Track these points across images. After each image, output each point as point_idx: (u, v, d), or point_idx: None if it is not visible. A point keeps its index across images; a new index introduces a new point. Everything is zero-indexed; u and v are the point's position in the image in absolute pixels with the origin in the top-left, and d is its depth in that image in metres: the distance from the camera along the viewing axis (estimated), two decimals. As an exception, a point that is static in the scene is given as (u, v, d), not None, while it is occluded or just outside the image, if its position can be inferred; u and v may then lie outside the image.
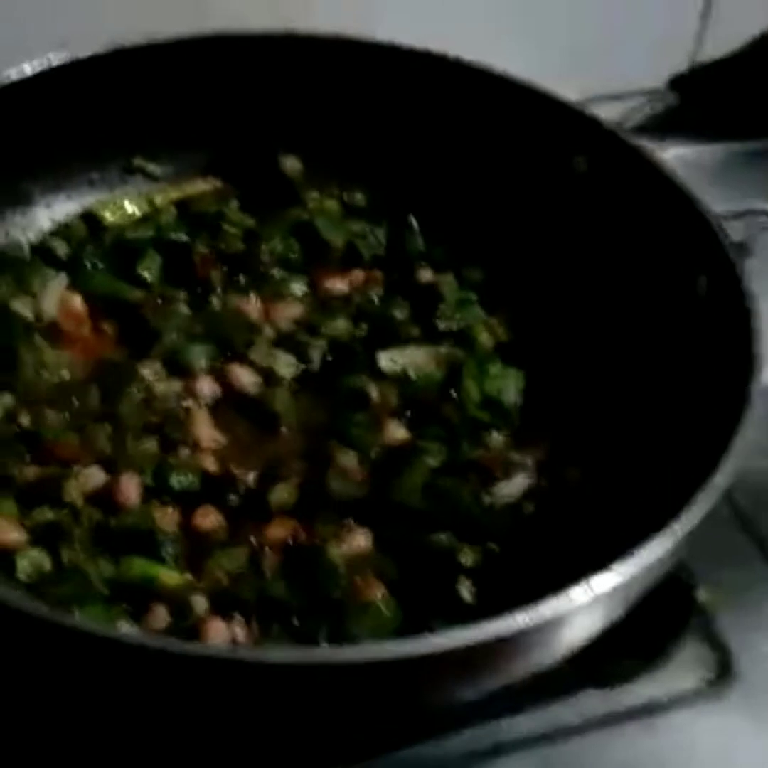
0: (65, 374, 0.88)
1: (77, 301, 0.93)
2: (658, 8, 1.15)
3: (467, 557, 0.77)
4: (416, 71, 0.97)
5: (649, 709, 0.79)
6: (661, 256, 0.88)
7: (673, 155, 1.14)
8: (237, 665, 0.58)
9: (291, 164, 1.01)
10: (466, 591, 0.75)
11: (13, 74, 0.90)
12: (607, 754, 0.77)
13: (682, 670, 0.82)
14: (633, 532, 0.70)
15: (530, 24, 1.13)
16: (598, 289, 0.93)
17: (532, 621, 0.60)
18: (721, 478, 0.67)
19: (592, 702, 0.79)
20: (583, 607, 0.62)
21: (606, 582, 0.62)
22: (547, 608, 0.60)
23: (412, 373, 0.89)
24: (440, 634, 0.60)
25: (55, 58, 0.92)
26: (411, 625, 0.74)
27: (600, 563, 0.64)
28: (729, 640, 0.83)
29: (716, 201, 0.89)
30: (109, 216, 0.99)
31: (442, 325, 0.92)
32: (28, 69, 0.91)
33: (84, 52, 0.93)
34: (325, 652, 0.65)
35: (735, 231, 0.86)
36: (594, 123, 0.93)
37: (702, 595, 0.84)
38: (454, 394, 0.88)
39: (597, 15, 1.14)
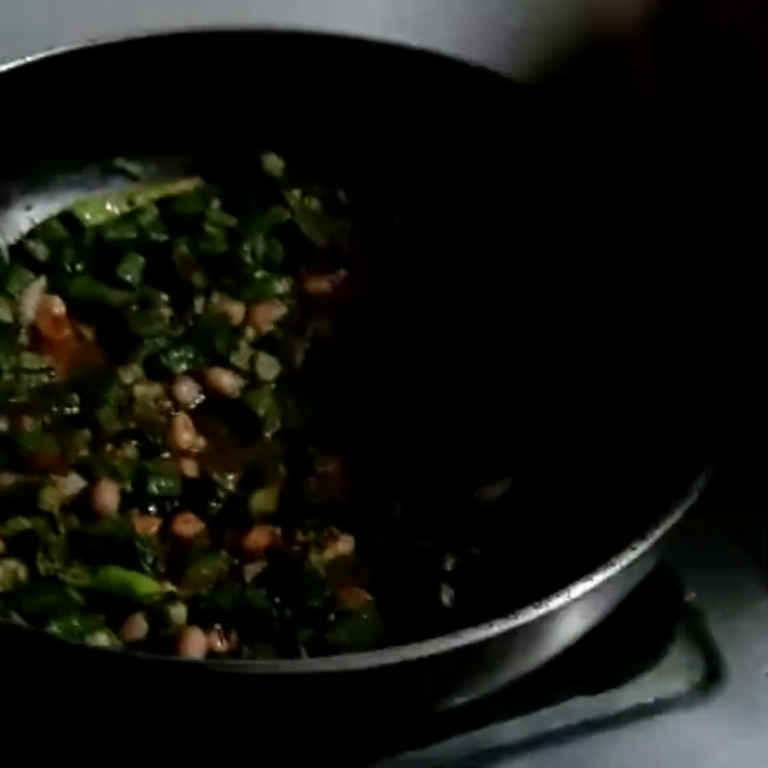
0: (44, 379, 0.87)
1: (57, 304, 0.92)
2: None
3: (448, 562, 0.76)
4: (401, 68, 0.96)
5: (638, 714, 0.78)
6: (644, 258, 0.88)
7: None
8: (205, 676, 0.57)
9: (273, 163, 1.00)
10: (446, 597, 0.74)
11: (-13, 71, 0.90)
12: (597, 759, 0.76)
13: (671, 674, 0.81)
14: (616, 533, 0.70)
15: (517, 19, 1.12)
16: (584, 288, 0.92)
17: (509, 627, 0.59)
18: (698, 481, 0.67)
19: (581, 707, 0.78)
20: (560, 613, 0.61)
21: (582, 588, 0.61)
22: (524, 616, 0.59)
23: (395, 375, 0.88)
24: (416, 644, 0.58)
25: (32, 54, 0.91)
26: (393, 632, 0.73)
27: (583, 565, 0.63)
28: (717, 641, 0.82)
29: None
30: (89, 217, 0.97)
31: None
32: (4, 65, 0.90)
33: (62, 47, 0.92)
34: (306, 663, 0.64)
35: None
36: (581, 124, 0.91)
37: (689, 596, 0.83)
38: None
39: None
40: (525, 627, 0.59)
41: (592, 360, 0.88)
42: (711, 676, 0.81)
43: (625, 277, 0.89)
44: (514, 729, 0.77)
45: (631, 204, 0.88)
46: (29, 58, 0.90)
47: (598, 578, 0.61)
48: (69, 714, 0.68)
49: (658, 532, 0.63)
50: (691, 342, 0.80)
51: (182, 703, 0.62)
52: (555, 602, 0.60)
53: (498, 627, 0.58)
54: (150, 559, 0.75)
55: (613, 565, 0.61)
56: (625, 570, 0.61)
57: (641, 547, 0.62)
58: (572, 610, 0.61)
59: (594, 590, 0.60)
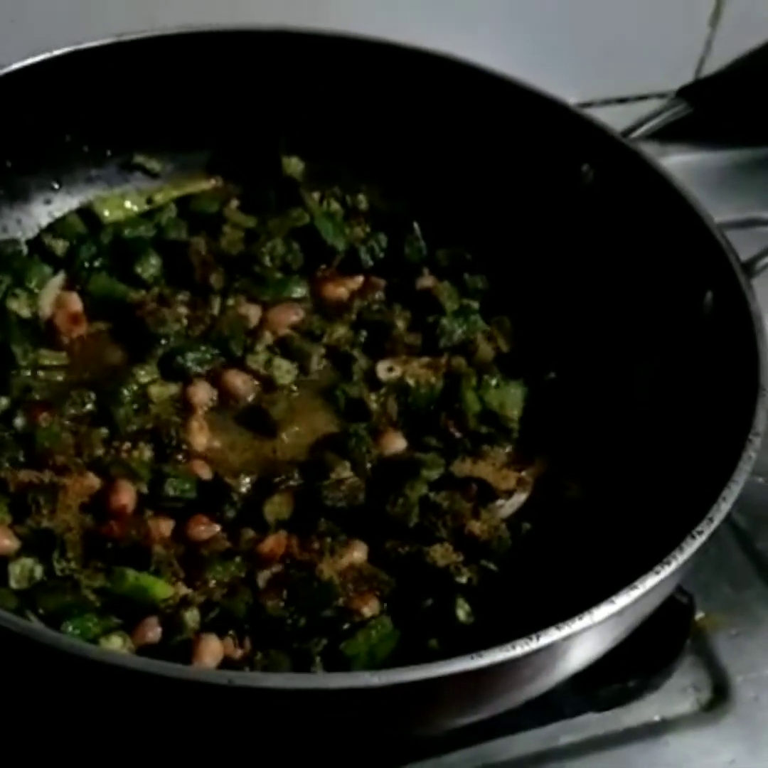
0: (60, 376, 0.87)
1: (74, 301, 0.92)
2: (668, 14, 1.14)
3: (464, 576, 0.76)
4: (424, 74, 0.96)
5: (645, 732, 0.79)
6: (668, 269, 0.87)
7: (678, 161, 1.13)
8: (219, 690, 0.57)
9: (293, 165, 1.00)
10: (462, 612, 0.74)
11: (12, 64, 0.89)
12: (604, 776, 0.77)
13: (678, 693, 0.81)
14: (632, 551, 0.70)
15: (536, 26, 1.12)
16: (603, 300, 0.92)
17: (532, 649, 0.59)
18: (724, 504, 0.67)
19: (589, 723, 0.78)
20: (582, 635, 0.61)
21: (605, 611, 0.61)
22: (546, 637, 0.59)
23: (411, 383, 0.88)
24: (435, 663, 0.58)
25: (56, 49, 0.90)
26: (407, 644, 0.73)
27: (598, 584, 0.63)
28: (726, 661, 0.83)
29: (721, 209, 0.88)
30: (108, 213, 0.97)
31: (443, 340, 0.91)
32: (29, 59, 0.89)
33: (89, 42, 0.91)
34: (321, 678, 0.64)
35: (739, 240, 0.85)
36: (601, 132, 0.91)
37: (699, 615, 0.83)
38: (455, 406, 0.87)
39: (606, 18, 1.13)
40: (547, 648, 0.59)
41: (619, 375, 0.89)
42: (719, 695, 0.81)
43: (643, 294, 0.90)
44: (521, 743, 0.77)
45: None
46: (56, 52, 0.90)
47: (621, 601, 0.60)
48: (79, 718, 0.68)
49: (682, 557, 0.62)
50: (719, 366, 0.79)
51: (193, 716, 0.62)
52: (577, 624, 0.59)
53: (520, 648, 0.58)
54: (164, 562, 0.75)
55: (636, 588, 0.61)
56: (647, 594, 0.61)
57: (665, 572, 0.62)
58: (593, 633, 0.61)
59: (617, 613, 0.60)
